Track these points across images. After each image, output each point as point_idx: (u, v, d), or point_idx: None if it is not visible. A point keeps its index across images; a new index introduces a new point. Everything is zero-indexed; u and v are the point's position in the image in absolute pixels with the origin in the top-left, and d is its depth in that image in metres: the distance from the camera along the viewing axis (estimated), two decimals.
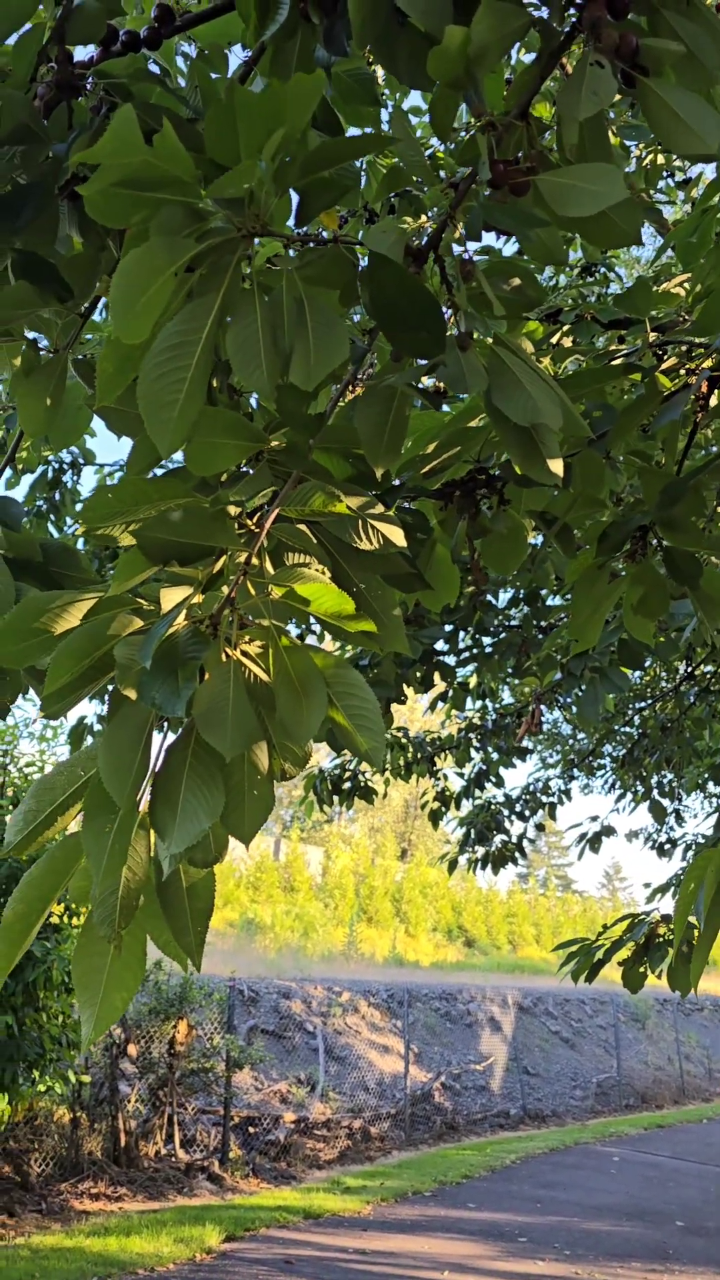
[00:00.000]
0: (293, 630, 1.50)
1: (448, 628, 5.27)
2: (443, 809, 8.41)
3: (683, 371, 2.42)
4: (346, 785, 7.46)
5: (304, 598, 1.39)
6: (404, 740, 7.87)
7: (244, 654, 1.39)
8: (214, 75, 1.75)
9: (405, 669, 5.21)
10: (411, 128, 4.69)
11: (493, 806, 8.98)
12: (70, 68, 1.46)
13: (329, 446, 1.50)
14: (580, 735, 10.42)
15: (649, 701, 8.65)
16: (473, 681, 6.74)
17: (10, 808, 9.18)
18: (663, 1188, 12.45)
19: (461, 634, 5.75)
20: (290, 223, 1.49)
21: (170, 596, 1.33)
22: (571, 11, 1.43)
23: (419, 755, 7.87)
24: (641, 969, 3.57)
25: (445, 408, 2.21)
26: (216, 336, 1.27)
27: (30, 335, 1.74)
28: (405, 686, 5.48)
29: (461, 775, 8.32)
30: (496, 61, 1.36)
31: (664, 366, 2.24)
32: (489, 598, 5.32)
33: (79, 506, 5.61)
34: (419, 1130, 15.40)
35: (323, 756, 10.24)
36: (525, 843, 9.11)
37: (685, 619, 4.19)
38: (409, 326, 1.32)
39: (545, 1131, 16.79)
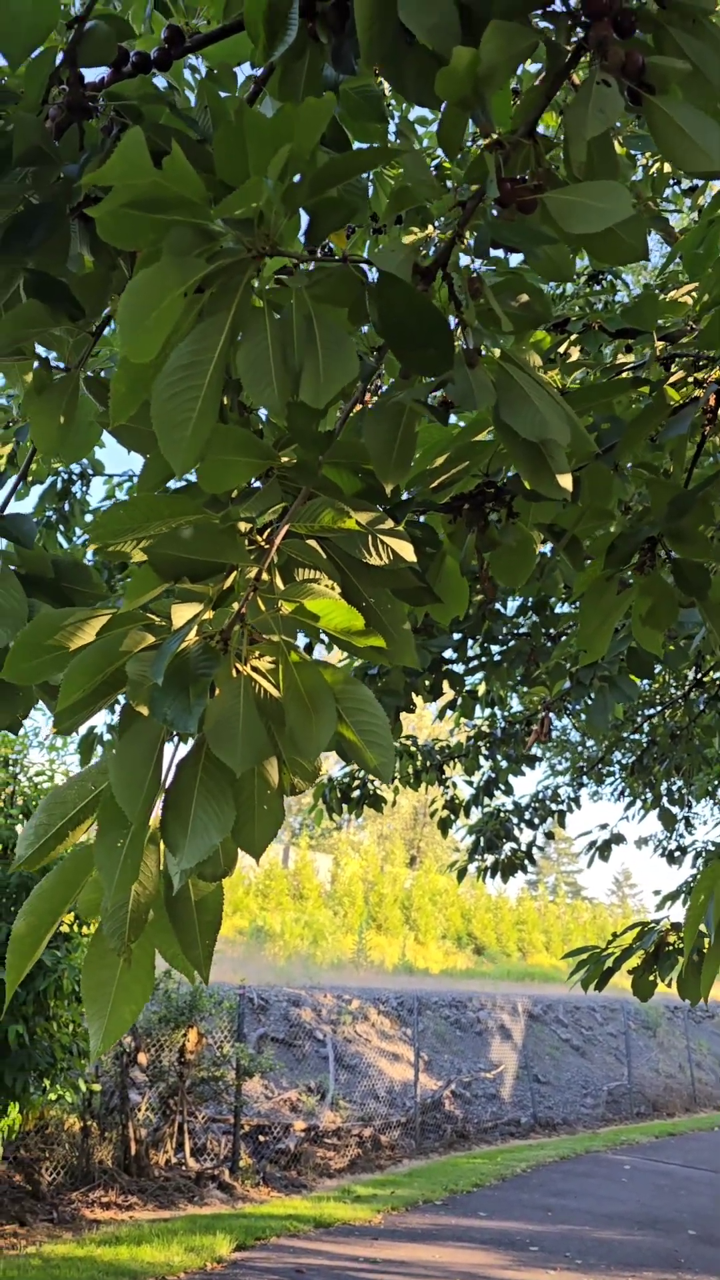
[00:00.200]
0: (300, 640, 1.51)
1: (456, 636, 5.28)
2: (452, 817, 8.40)
3: (690, 381, 2.42)
4: (355, 794, 7.46)
5: (314, 613, 1.40)
6: (413, 748, 7.87)
7: (254, 669, 1.40)
8: (223, 94, 1.77)
9: (414, 678, 5.22)
10: (418, 137, 4.70)
11: (502, 814, 8.97)
12: (81, 90, 1.48)
13: (338, 461, 1.51)
14: (589, 742, 10.41)
15: (658, 708, 8.64)
16: (481, 689, 6.74)
17: (20, 816, 9.20)
18: (674, 1196, 12.40)
19: (470, 642, 5.75)
20: (299, 237, 1.51)
21: (181, 613, 1.34)
22: (578, 30, 1.45)
23: (428, 763, 7.87)
24: (651, 977, 3.56)
25: (454, 417, 2.22)
26: (228, 355, 1.28)
27: (40, 350, 1.76)
28: (414, 695, 5.49)
29: (470, 783, 8.31)
30: (505, 81, 1.37)
31: (672, 379, 2.25)
32: (497, 606, 5.32)
33: (88, 517, 5.63)
34: (429, 1139, 15.37)
35: (332, 765, 10.25)
36: (535, 850, 9.09)
37: (695, 627, 4.19)
38: (417, 344, 1.33)
39: (556, 1140, 16.74)
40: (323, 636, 1.47)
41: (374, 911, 31.49)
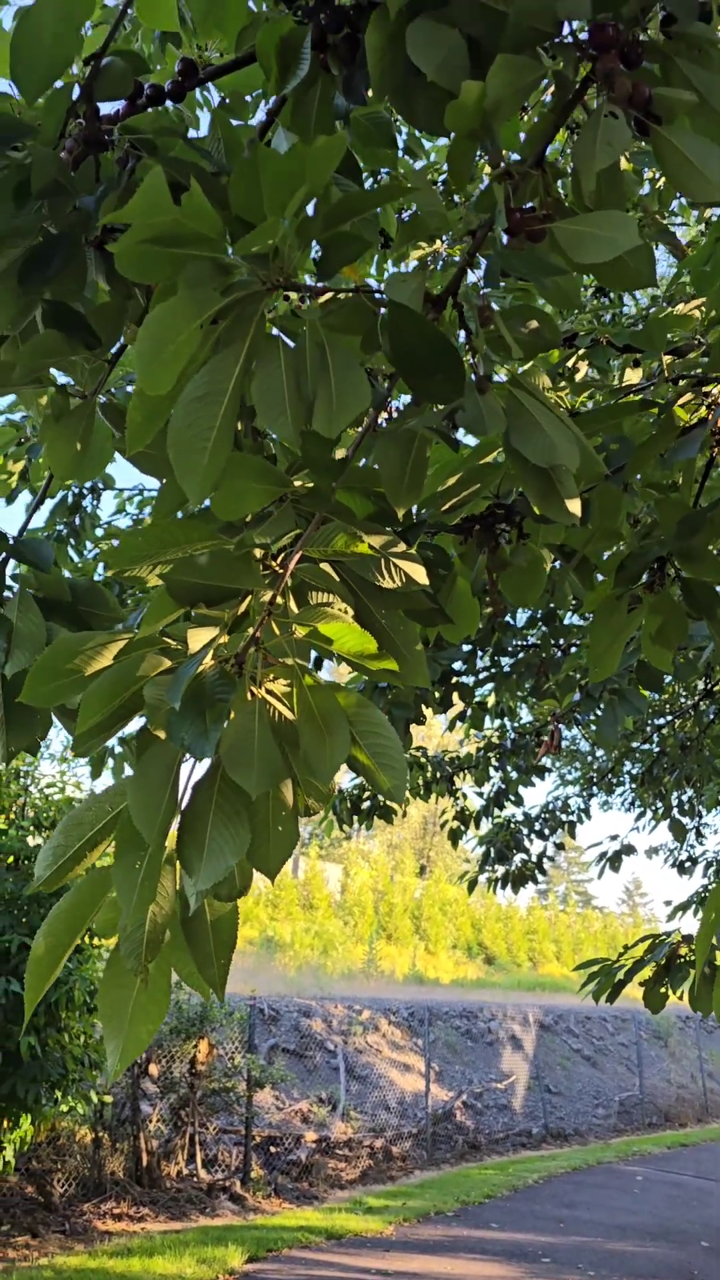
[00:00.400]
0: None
1: (466, 648, 5.30)
2: (462, 828, 8.40)
3: (697, 400, 2.44)
4: (366, 805, 7.47)
5: (327, 637, 1.42)
6: (423, 759, 7.88)
7: (269, 692, 1.42)
8: (236, 123, 1.79)
9: (424, 691, 5.24)
10: (425, 152, 4.74)
11: (512, 825, 8.96)
12: (97, 124, 1.50)
13: (351, 486, 1.53)
14: (599, 752, 10.40)
15: (668, 719, 8.63)
16: (491, 701, 6.75)
17: (31, 828, 9.23)
18: (687, 1207, 12.35)
19: (480, 654, 5.77)
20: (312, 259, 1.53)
21: (198, 637, 1.36)
22: (585, 62, 1.47)
23: (438, 774, 7.87)
24: (663, 990, 3.57)
25: (462, 433, 2.24)
26: (243, 385, 1.31)
27: (55, 374, 1.78)
28: (424, 706, 5.50)
29: (480, 794, 8.31)
30: (512, 114, 1.39)
31: (681, 401, 2.26)
32: (507, 618, 5.33)
33: (99, 531, 5.66)
34: (441, 1149, 15.33)
35: (342, 776, 10.25)
36: (545, 861, 9.08)
37: (704, 640, 4.19)
38: (428, 373, 1.35)
39: (568, 1150, 16.69)
40: (332, 654, 1.49)
41: (384, 921, 31.46)
